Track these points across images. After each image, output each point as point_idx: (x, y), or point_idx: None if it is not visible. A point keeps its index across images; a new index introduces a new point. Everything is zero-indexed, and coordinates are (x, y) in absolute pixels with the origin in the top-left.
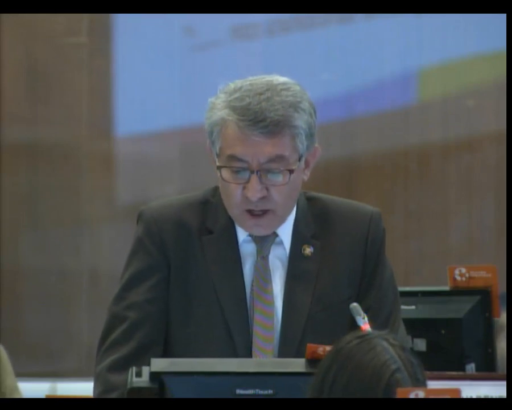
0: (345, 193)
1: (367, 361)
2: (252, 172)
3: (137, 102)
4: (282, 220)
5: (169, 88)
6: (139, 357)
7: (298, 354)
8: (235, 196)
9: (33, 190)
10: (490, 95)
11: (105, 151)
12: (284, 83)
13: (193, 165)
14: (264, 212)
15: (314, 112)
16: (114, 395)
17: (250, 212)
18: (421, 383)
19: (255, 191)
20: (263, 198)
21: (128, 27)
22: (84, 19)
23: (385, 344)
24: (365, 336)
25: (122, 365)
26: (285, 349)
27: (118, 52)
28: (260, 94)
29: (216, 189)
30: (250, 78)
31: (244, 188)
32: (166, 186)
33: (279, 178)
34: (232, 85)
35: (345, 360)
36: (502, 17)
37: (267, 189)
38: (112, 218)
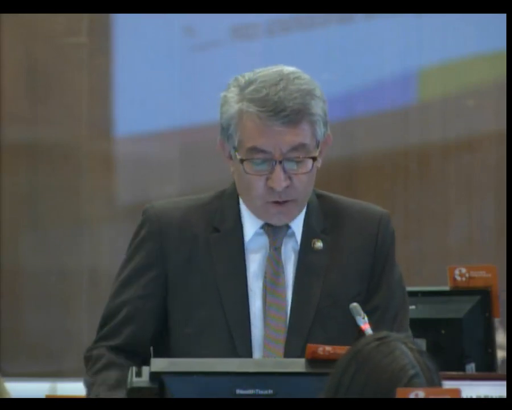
0: (345, 193)
1: (386, 364)
2: (275, 162)
3: (137, 102)
4: (302, 208)
5: (169, 88)
6: (128, 349)
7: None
8: (258, 187)
9: (33, 190)
10: (490, 95)
11: (105, 151)
12: (294, 72)
13: (193, 165)
14: (287, 201)
15: (325, 99)
16: (116, 369)
17: (273, 202)
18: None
19: (280, 181)
20: (286, 187)
21: (128, 27)
22: (84, 19)
23: (404, 348)
24: (384, 338)
25: (114, 351)
26: (293, 341)
27: (118, 52)
28: (276, 84)
29: (223, 192)
30: (257, 70)
31: (267, 179)
32: (166, 186)
33: (301, 167)
34: (242, 78)
35: (363, 362)
36: (502, 17)
37: (290, 178)
38: (112, 218)
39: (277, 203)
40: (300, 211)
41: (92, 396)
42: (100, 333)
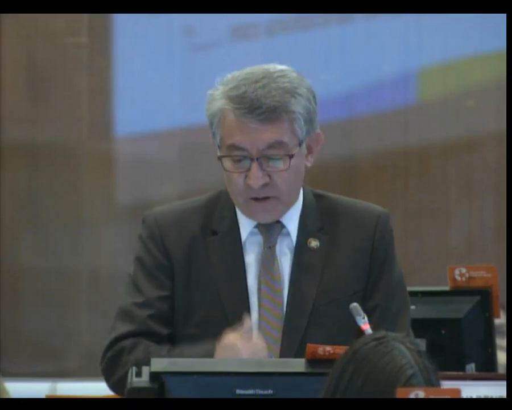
0: (345, 193)
1: (383, 364)
2: (252, 159)
3: (137, 102)
4: (287, 206)
5: (169, 88)
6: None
7: (302, 345)
8: (238, 184)
9: (33, 190)
10: (490, 95)
11: (105, 151)
12: (281, 71)
13: (193, 165)
14: (268, 198)
15: (314, 98)
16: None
17: (254, 199)
18: None
19: (256, 178)
20: (265, 185)
21: (128, 27)
22: (84, 19)
23: (402, 347)
24: (382, 338)
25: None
26: (289, 339)
27: (118, 52)
28: (256, 82)
29: (220, 193)
30: (248, 68)
31: (246, 176)
32: (166, 186)
33: (280, 164)
34: (229, 76)
35: (361, 362)
36: (502, 17)
37: (269, 176)
38: (112, 218)
39: (257, 200)
40: (286, 208)
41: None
42: (117, 333)
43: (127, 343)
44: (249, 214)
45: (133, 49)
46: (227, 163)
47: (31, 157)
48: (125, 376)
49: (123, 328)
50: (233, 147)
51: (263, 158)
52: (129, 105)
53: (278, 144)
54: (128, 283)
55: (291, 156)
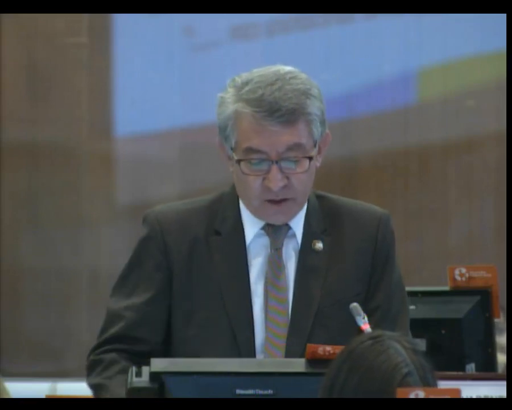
0: (345, 193)
1: (379, 363)
2: (272, 162)
3: (137, 102)
4: (300, 207)
5: (169, 88)
6: (138, 352)
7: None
8: (255, 187)
9: (33, 190)
10: (490, 95)
11: (105, 151)
12: (291, 72)
13: (193, 165)
14: (285, 200)
15: (323, 98)
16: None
17: (270, 201)
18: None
19: (276, 181)
20: (284, 187)
21: (128, 27)
22: (84, 19)
23: (398, 346)
24: (378, 337)
25: (124, 354)
26: (294, 341)
27: (118, 52)
28: (272, 84)
29: (222, 194)
30: (255, 70)
31: (264, 179)
32: (166, 186)
33: (298, 166)
34: (239, 79)
35: (356, 361)
36: (502, 17)
37: (287, 177)
38: (112, 218)
39: (274, 202)
40: (299, 210)
41: (108, 397)
42: (106, 335)
43: (107, 356)
44: (263, 216)
45: (133, 49)
46: (245, 166)
47: (31, 157)
48: (93, 386)
49: (111, 331)
50: (251, 150)
51: (282, 160)
52: (129, 105)
53: (297, 146)
54: (121, 283)
55: (310, 158)
